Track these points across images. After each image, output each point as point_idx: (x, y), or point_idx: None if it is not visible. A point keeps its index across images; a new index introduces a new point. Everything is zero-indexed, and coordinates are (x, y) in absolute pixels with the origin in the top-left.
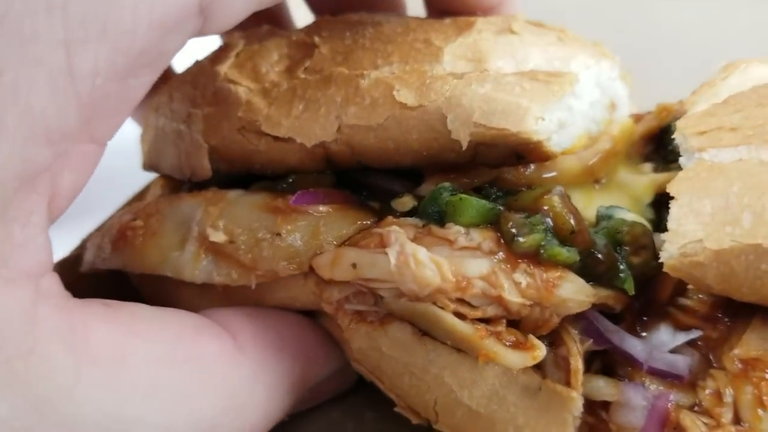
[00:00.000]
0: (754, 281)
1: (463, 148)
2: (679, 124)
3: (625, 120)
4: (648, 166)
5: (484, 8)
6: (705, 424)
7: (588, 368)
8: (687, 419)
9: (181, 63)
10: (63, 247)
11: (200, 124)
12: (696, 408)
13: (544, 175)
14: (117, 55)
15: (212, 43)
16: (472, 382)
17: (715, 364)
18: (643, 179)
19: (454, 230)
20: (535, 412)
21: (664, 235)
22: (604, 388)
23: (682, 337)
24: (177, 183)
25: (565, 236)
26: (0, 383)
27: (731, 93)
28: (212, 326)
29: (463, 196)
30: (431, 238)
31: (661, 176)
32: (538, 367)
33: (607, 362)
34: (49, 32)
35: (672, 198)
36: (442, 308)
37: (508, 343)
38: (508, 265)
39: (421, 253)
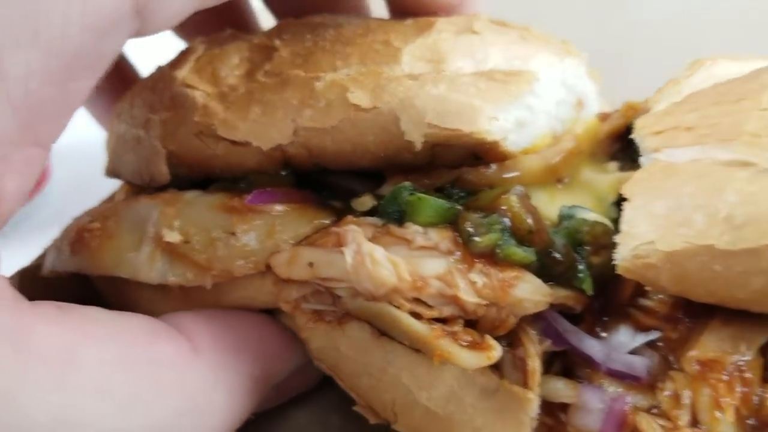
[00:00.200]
0: (709, 282)
1: (417, 150)
2: (637, 124)
3: (590, 119)
4: (614, 165)
5: (445, 8)
6: (662, 426)
7: (548, 369)
8: (643, 422)
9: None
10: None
11: (158, 129)
12: (655, 410)
13: (506, 175)
14: (50, 59)
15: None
16: (430, 383)
17: (674, 366)
18: (608, 178)
19: (412, 230)
20: (493, 414)
21: (616, 237)
22: (562, 389)
23: (641, 338)
24: (141, 189)
25: (522, 236)
26: None
27: (694, 91)
28: (168, 330)
29: (421, 195)
30: (389, 238)
31: (626, 175)
32: (497, 368)
33: (568, 364)
34: None
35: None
36: (398, 308)
37: (464, 344)
38: (465, 265)
39: (378, 252)
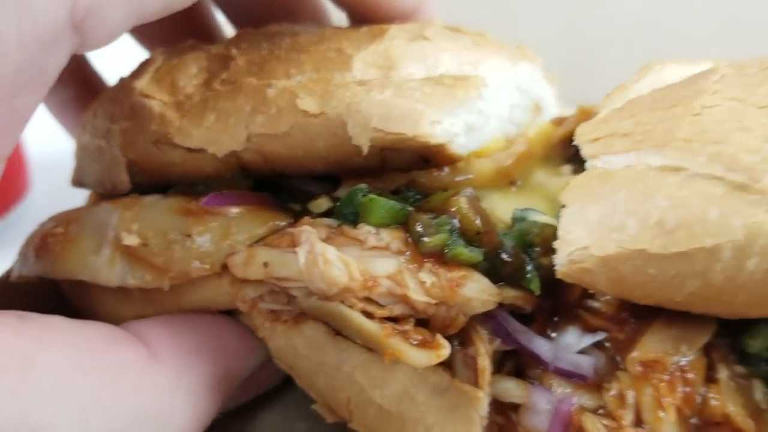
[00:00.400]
0: (645, 285)
1: (364, 153)
2: (578, 131)
3: (543, 122)
4: (568, 168)
5: (401, 16)
6: (606, 426)
7: (500, 369)
8: (588, 422)
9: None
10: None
11: (118, 138)
12: (601, 410)
13: (458, 178)
14: None
15: None
16: (383, 381)
17: (621, 366)
18: (561, 181)
19: (365, 230)
20: (444, 412)
21: (555, 243)
22: (513, 389)
23: (588, 339)
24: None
25: (471, 237)
26: None
27: (634, 97)
28: (126, 336)
29: (374, 197)
30: (343, 238)
31: None
32: (449, 367)
33: (520, 364)
34: None
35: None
36: (350, 307)
37: (414, 342)
38: (415, 265)
39: (330, 252)
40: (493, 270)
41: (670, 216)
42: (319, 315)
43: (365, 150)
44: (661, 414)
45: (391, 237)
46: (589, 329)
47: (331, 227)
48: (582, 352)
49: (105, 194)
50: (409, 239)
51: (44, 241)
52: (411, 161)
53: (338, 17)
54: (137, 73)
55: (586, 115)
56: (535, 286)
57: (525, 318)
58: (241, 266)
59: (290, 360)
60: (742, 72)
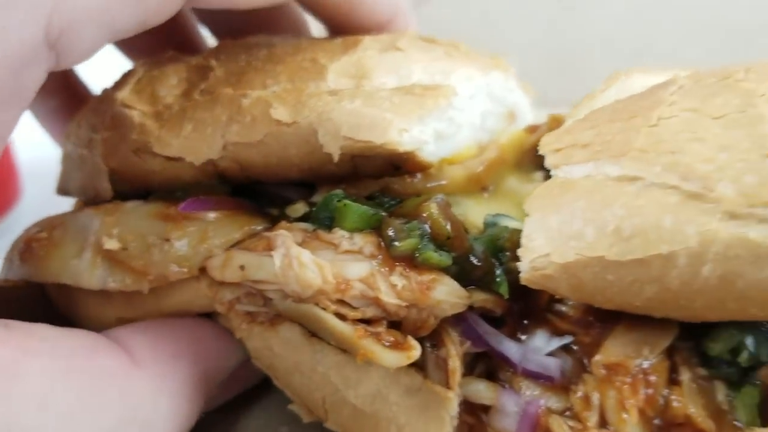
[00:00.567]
0: (605, 291)
1: (335, 161)
2: (542, 141)
3: (515, 130)
4: (540, 175)
5: (376, 27)
6: (571, 427)
7: (472, 371)
8: (554, 424)
9: None
10: None
11: (100, 147)
12: (568, 412)
13: (431, 184)
14: None
15: None
16: (357, 382)
17: (588, 369)
18: (532, 187)
19: (339, 235)
20: (416, 412)
21: (518, 251)
22: (483, 391)
23: (556, 342)
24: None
25: (442, 241)
26: None
27: (595, 108)
28: (109, 344)
29: (347, 202)
30: (318, 242)
31: None
32: (421, 368)
33: (491, 366)
34: None
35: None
36: (324, 309)
37: (387, 344)
38: (386, 268)
39: (305, 255)
40: (464, 274)
41: (626, 224)
42: (294, 317)
43: (336, 157)
44: (625, 415)
45: (364, 241)
46: (557, 332)
47: (306, 231)
48: (551, 354)
49: (89, 201)
50: (382, 243)
51: (29, 246)
52: (382, 168)
53: (319, 28)
54: (119, 85)
55: (556, 122)
56: (504, 290)
57: (496, 321)
58: (219, 269)
59: (267, 360)
60: (700, 83)
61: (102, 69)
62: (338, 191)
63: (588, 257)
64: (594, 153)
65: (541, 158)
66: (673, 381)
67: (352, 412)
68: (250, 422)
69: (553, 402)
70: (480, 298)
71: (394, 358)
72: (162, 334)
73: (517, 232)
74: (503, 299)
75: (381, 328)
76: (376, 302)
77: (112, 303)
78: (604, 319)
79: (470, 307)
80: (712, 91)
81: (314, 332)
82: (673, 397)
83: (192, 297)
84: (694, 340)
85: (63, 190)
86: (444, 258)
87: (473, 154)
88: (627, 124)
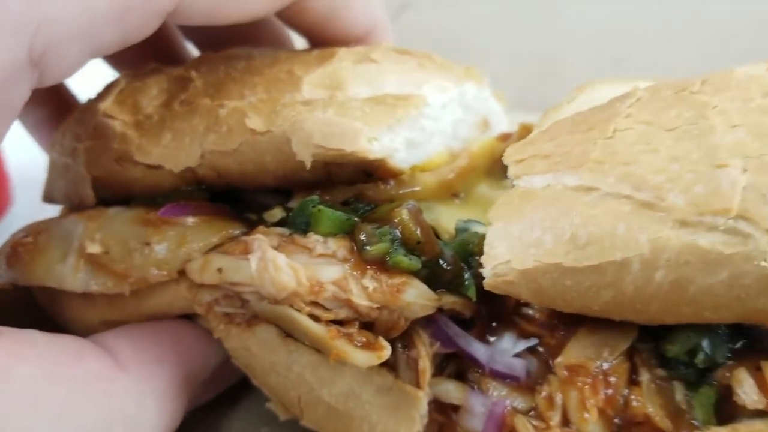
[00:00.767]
0: (564, 295)
1: (308, 168)
2: (506, 152)
3: (488, 138)
4: (510, 182)
5: (353, 39)
6: (535, 426)
7: (442, 372)
8: (519, 423)
9: None
10: None
11: (83, 156)
12: (533, 411)
13: (404, 191)
14: None
15: None
16: (331, 381)
17: (553, 370)
18: (502, 194)
19: (313, 239)
20: (387, 410)
21: (481, 258)
22: (452, 391)
23: (522, 344)
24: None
25: (412, 246)
26: None
27: (557, 120)
28: (95, 349)
29: (322, 208)
30: (293, 246)
31: None
32: (393, 368)
33: (461, 367)
34: None
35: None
36: (298, 311)
37: (358, 344)
38: (358, 272)
39: (280, 259)
40: (433, 277)
41: (582, 232)
42: (270, 318)
43: (308, 165)
44: (586, 415)
45: (337, 245)
46: (524, 335)
47: (282, 236)
48: (517, 356)
49: (73, 208)
50: (354, 248)
51: (15, 250)
52: (355, 175)
53: (302, 40)
54: (102, 96)
55: (527, 131)
56: (472, 293)
57: (466, 323)
58: (198, 272)
59: (245, 360)
60: (656, 95)
61: (91, 79)
62: (314, 197)
63: (546, 264)
64: (554, 164)
65: None
66: (633, 381)
67: (326, 411)
68: (233, 423)
69: (519, 402)
70: (449, 300)
71: (365, 358)
72: (145, 338)
73: None
74: (472, 302)
75: (353, 329)
76: (349, 304)
77: (95, 305)
78: (568, 323)
79: (440, 310)
80: (667, 104)
81: (289, 333)
82: (632, 397)
83: (172, 299)
84: (654, 342)
85: (48, 197)
86: (414, 262)
87: (445, 162)
88: (585, 136)
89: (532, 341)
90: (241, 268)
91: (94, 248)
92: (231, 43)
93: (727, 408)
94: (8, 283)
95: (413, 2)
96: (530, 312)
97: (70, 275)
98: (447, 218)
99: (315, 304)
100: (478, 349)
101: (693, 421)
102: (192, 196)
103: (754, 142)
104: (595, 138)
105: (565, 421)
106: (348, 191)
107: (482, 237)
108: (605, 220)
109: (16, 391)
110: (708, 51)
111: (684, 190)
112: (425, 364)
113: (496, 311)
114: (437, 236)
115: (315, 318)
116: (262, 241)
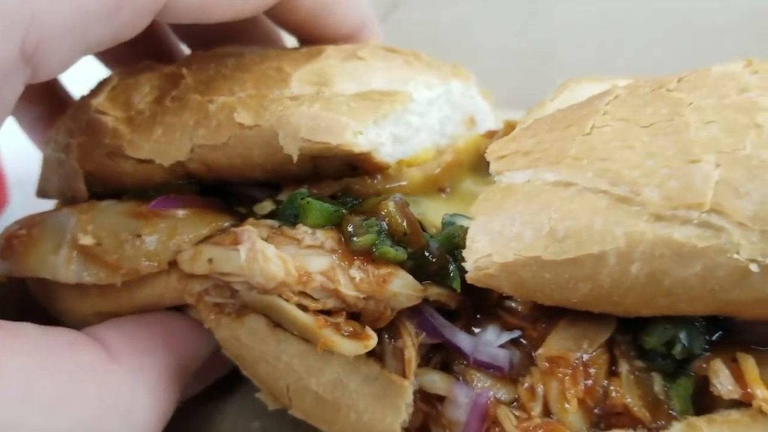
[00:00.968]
0: (543, 288)
1: (294, 161)
2: (489, 148)
3: (474, 134)
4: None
5: (342, 37)
6: (517, 417)
7: (428, 362)
8: (501, 413)
9: None
10: None
11: (76, 151)
12: (515, 402)
13: (391, 185)
14: None
15: None
16: (319, 370)
17: (535, 362)
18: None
19: (302, 230)
20: (373, 399)
21: (464, 252)
22: (438, 382)
23: (506, 336)
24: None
25: (399, 238)
26: None
27: (538, 117)
28: (87, 341)
29: (311, 200)
30: (282, 238)
31: None
32: (380, 358)
33: (447, 358)
34: None
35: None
36: (287, 300)
37: (345, 333)
38: (346, 262)
39: (269, 250)
40: (419, 269)
41: (560, 226)
42: (259, 308)
43: (295, 158)
44: (566, 405)
45: (325, 237)
46: (507, 327)
47: (272, 227)
48: (502, 347)
49: (67, 202)
50: (342, 239)
51: (9, 243)
52: (341, 169)
53: (293, 38)
54: (95, 92)
55: (511, 128)
56: (457, 285)
57: (451, 314)
58: (188, 262)
59: (235, 350)
60: (634, 93)
61: (86, 77)
62: (303, 190)
63: (526, 257)
64: (534, 160)
65: None
66: (612, 373)
67: (314, 400)
68: (225, 416)
69: (502, 393)
70: (434, 291)
71: (352, 347)
72: (137, 329)
73: None
74: (457, 293)
75: (340, 319)
76: (336, 294)
77: (88, 296)
78: (550, 315)
79: (426, 301)
80: (644, 101)
81: (278, 323)
82: (612, 387)
83: (163, 290)
84: (632, 334)
85: (42, 192)
86: (400, 253)
87: (431, 158)
88: (564, 133)
89: (515, 333)
90: (231, 259)
91: (86, 240)
92: (222, 42)
93: (704, 398)
94: (2, 275)
95: (404, 0)
96: (513, 304)
97: (63, 266)
98: (433, 212)
99: (303, 294)
100: (462, 340)
101: (671, 411)
102: (183, 190)
103: (728, 138)
104: (573, 135)
105: (546, 412)
106: (336, 185)
107: (467, 230)
108: (583, 214)
109: (9, 383)
110: (697, 47)
111: (659, 185)
112: (411, 354)
113: (480, 303)
114: (423, 229)
115: (303, 308)
116: (251, 232)
